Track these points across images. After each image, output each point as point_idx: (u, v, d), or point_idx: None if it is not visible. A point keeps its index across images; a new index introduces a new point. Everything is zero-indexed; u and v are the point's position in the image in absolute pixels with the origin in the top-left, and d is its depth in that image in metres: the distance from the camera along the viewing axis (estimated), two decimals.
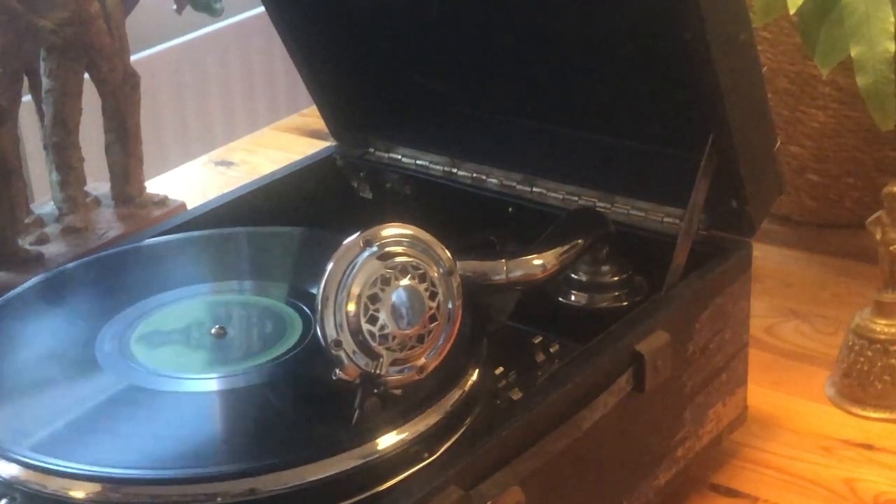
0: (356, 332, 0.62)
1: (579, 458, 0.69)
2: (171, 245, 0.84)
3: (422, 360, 0.64)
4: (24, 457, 0.62)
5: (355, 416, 0.62)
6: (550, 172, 0.90)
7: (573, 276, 0.83)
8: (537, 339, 0.76)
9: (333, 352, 0.62)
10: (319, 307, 0.62)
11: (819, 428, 0.87)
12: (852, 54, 0.85)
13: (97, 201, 1.12)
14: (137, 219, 1.10)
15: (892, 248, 0.85)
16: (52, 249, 1.04)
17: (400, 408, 0.64)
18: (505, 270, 0.75)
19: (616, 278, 0.82)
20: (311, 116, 1.40)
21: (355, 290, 0.62)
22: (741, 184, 0.79)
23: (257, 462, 0.61)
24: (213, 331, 0.71)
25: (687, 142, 0.80)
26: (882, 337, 0.87)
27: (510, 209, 0.90)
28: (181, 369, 0.68)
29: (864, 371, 0.87)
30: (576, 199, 0.88)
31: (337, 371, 0.63)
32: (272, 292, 0.76)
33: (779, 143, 0.82)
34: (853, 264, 1.06)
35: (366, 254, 0.63)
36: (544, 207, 0.88)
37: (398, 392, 0.64)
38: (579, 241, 0.79)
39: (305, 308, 0.73)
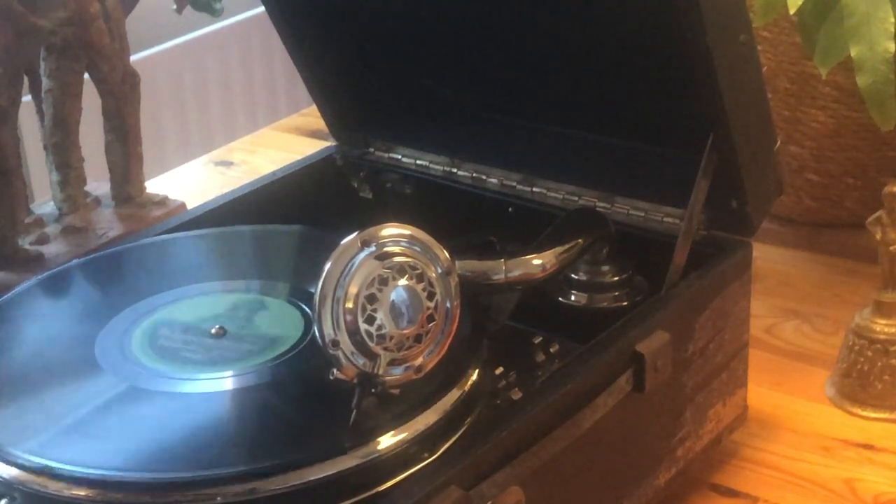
0: (354, 332, 0.62)
1: (579, 458, 0.69)
2: (172, 245, 0.84)
3: (420, 360, 0.64)
4: (25, 457, 0.62)
5: (353, 415, 0.62)
6: (550, 172, 0.90)
7: (573, 276, 0.83)
8: (537, 339, 0.76)
9: (331, 351, 0.62)
10: (317, 306, 0.62)
11: (819, 428, 0.87)
12: (852, 54, 0.85)
13: (97, 201, 1.12)
14: (137, 219, 1.10)
15: (892, 248, 0.85)
16: (52, 249, 1.04)
17: (400, 408, 0.64)
18: (504, 270, 0.75)
19: (616, 278, 0.82)
20: (311, 116, 1.40)
21: (353, 289, 0.62)
22: (741, 184, 0.79)
23: (257, 462, 0.61)
24: (213, 330, 0.71)
25: (687, 142, 0.80)
26: (882, 337, 0.87)
27: (510, 209, 0.90)
28: (181, 370, 0.68)
29: (864, 371, 0.87)
30: (576, 199, 0.88)
31: (335, 371, 0.63)
32: (272, 292, 0.76)
33: (779, 143, 0.82)
34: (853, 264, 1.06)
35: (364, 254, 0.63)
36: (544, 207, 0.88)
37: (396, 392, 0.64)
38: (579, 241, 0.79)
39: (306, 308, 0.73)
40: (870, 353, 0.87)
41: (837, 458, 0.84)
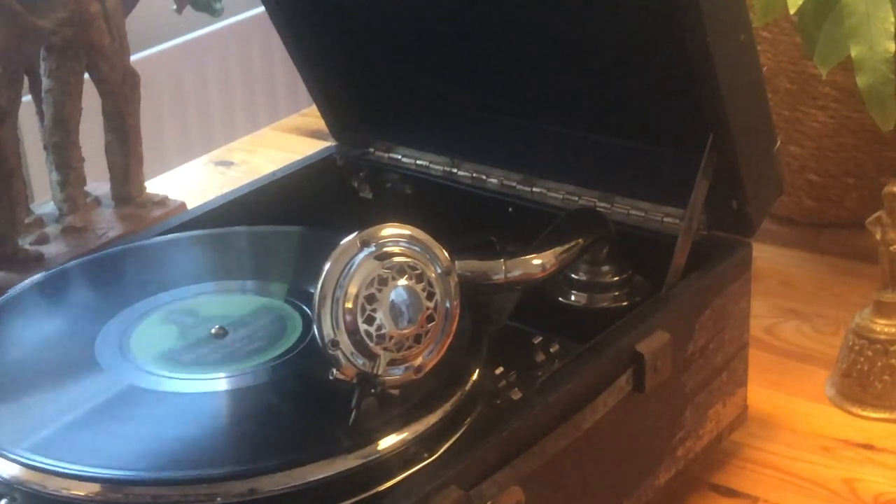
0: (353, 332, 0.62)
1: (579, 458, 0.69)
2: (172, 245, 0.84)
3: (419, 360, 0.64)
4: (24, 457, 0.62)
5: (352, 415, 0.62)
6: (550, 172, 0.90)
7: (573, 276, 0.83)
8: (537, 339, 0.76)
9: (330, 351, 0.62)
10: (316, 306, 0.62)
11: (819, 428, 0.87)
12: (852, 54, 0.85)
13: (97, 201, 1.12)
14: (137, 219, 1.10)
15: (892, 248, 0.85)
16: (52, 249, 1.04)
17: (400, 408, 0.64)
18: (504, 270, 0.75)
19: (616, 278, 0.82)
20: (311, 116, 1.40)
21: (352, 289, 0.62)
22: (741, 184, 0.79)
23: (257, 462, 0.61)
24: (213, 330, 0.71)
25: (687, 142, 0.80)
26: (882, 337, 0.87)
27: (510, 209, 0.90)
28: (181, 369, 0.68)
29: (864, 371, 0.87)
30: (576, 199, 0.88)
31: (334, 371, 0.63)
32: (272, 292, 0.76)
33: (779, 143, 0.82)
34: (853, 264, 1.06)
35: (363, 254, 0.63)
36: (544, 207, 0.88)
37: (396, 392, 0.64)
38: (579, 240, 0.79)
39: (306, 308, 0.73)
40: (870, 353, 0.87)
41: (837, 458, 0.84)
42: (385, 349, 0.63)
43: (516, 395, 0.70)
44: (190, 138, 2.13)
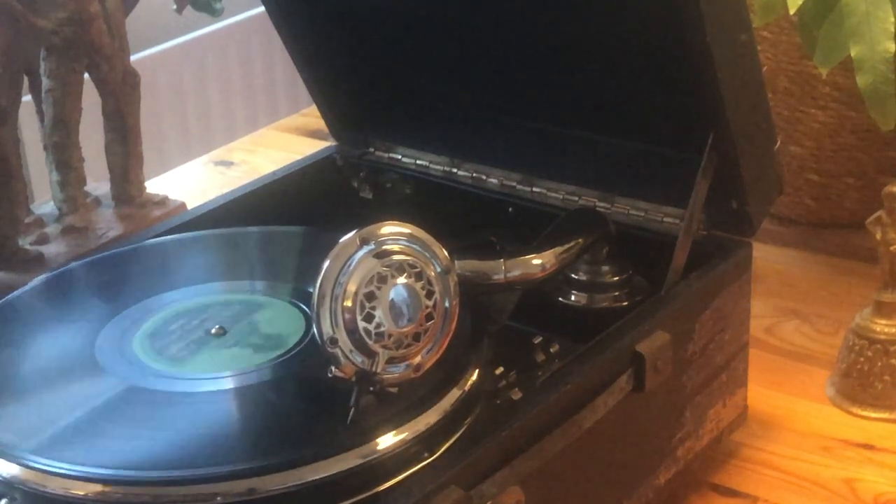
0: (352, 330, 0.62)
1: (579, 458, 0.69)
2: (172, 245, 0.84)
3: (418, 359, 0.64)
4: (25, 457, 0.62)
5: (351, 414, 0.62)
6: (550, 172, 0.90)
7: (573, 276, 0.83)
8: (537, 339, 0.76)
9: (329, 349, 0.62)
10: (315, 304, 0.62)
11: (819, 428, 0.87)
12: (852, 54, 0.85)
13: (97, 201, 1.12)
14: (137, 219, 1.10)
15: (892, 248, 0.85)
16: (52, 249, 1.04)
17: (400, 407, 0.64)
18: (504, 270, 0.75)
19: (616, 278, 0.82)
20: (311, 116, 1.40)
21: (352, 287, 0.62)
22: (741, 184, 0.79)
23: (257, 462, 0.61)
24: (213, 330, 0.71)
25: (687, 142, 0.80)
26: (882, 337, 0.87)
27: (510, 209, 0.90)
28: (181, 369, 0.68)
29: (864, 371, 0.87)
30: (576, 199, 0.88)
31: (333, 369, 0.63)
32: (272, 292, 0.76)
33: (779, 143, 0.82)
34: (853, 264, 1.06)
35: (362, 252, 0.63)
36: (544, 207, 0.88)
37: (394, 390, 0.64)
38: (579, 241, 0.79)
39: (306, 308, 0.73)
40: (870, 353, 0.87)
41: (837, 458, 0.84)
42: (384, 347, 0.63)
43: (516, 395, 0.70)
44: (190, 138, 2.13)
